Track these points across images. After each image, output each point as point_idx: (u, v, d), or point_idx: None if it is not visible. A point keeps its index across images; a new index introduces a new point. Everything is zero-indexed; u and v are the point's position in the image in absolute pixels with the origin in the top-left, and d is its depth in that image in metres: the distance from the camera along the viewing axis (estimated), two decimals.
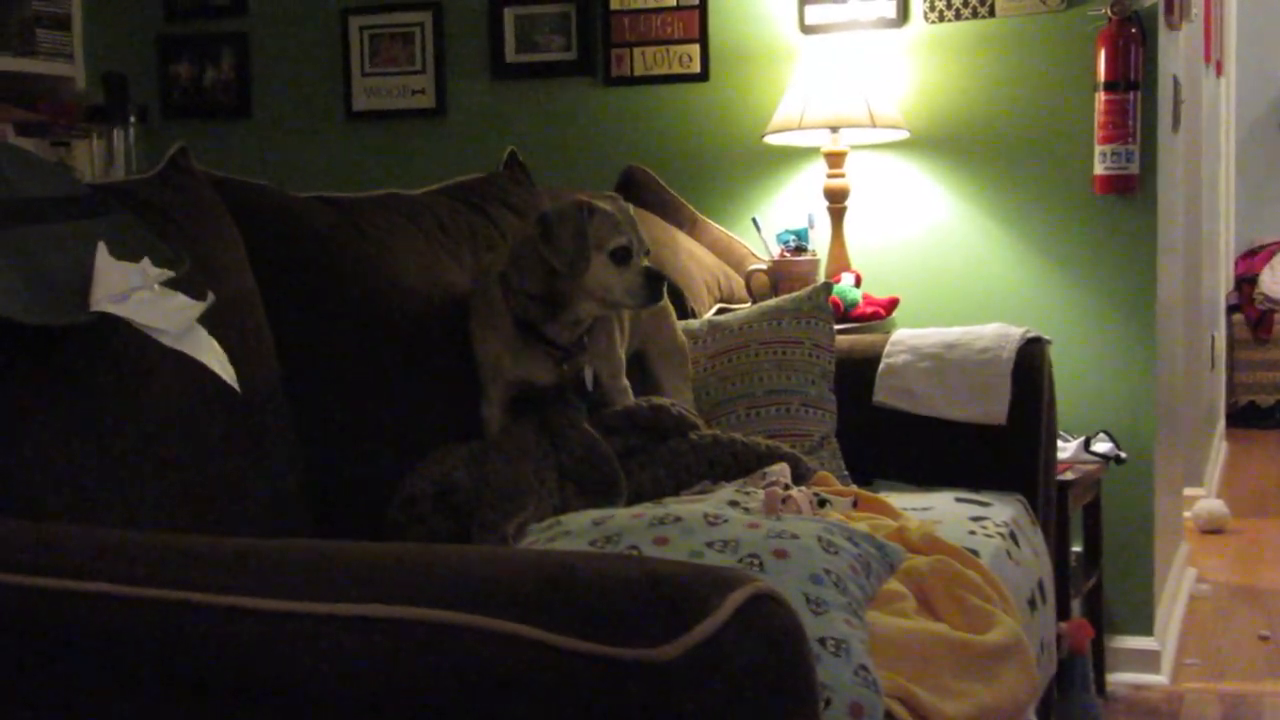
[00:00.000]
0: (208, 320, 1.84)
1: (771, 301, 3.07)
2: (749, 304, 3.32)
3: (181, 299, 1.80)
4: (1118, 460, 3.48)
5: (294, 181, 2.85)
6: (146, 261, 1.78)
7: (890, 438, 2.96)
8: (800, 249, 3.54)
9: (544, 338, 2.41)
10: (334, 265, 2.29)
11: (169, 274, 1.81)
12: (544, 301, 2.38)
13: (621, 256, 2.34)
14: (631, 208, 2.48)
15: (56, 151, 3.80)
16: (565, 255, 2.32)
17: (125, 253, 1.77)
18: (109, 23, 4.36)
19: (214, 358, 1.82)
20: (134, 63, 4.29)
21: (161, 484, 1.76)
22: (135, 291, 1.73)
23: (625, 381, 2.56)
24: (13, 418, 1.59)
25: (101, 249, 1.73)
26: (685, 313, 3.11)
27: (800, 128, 3.53)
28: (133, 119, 3.94)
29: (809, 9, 3.77)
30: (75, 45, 4.11)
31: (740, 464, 2.45)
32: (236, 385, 1.86)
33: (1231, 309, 8.01)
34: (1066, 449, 3.34)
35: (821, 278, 3.49)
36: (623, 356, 2.57)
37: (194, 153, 2.17)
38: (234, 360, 1.88)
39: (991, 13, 3.64)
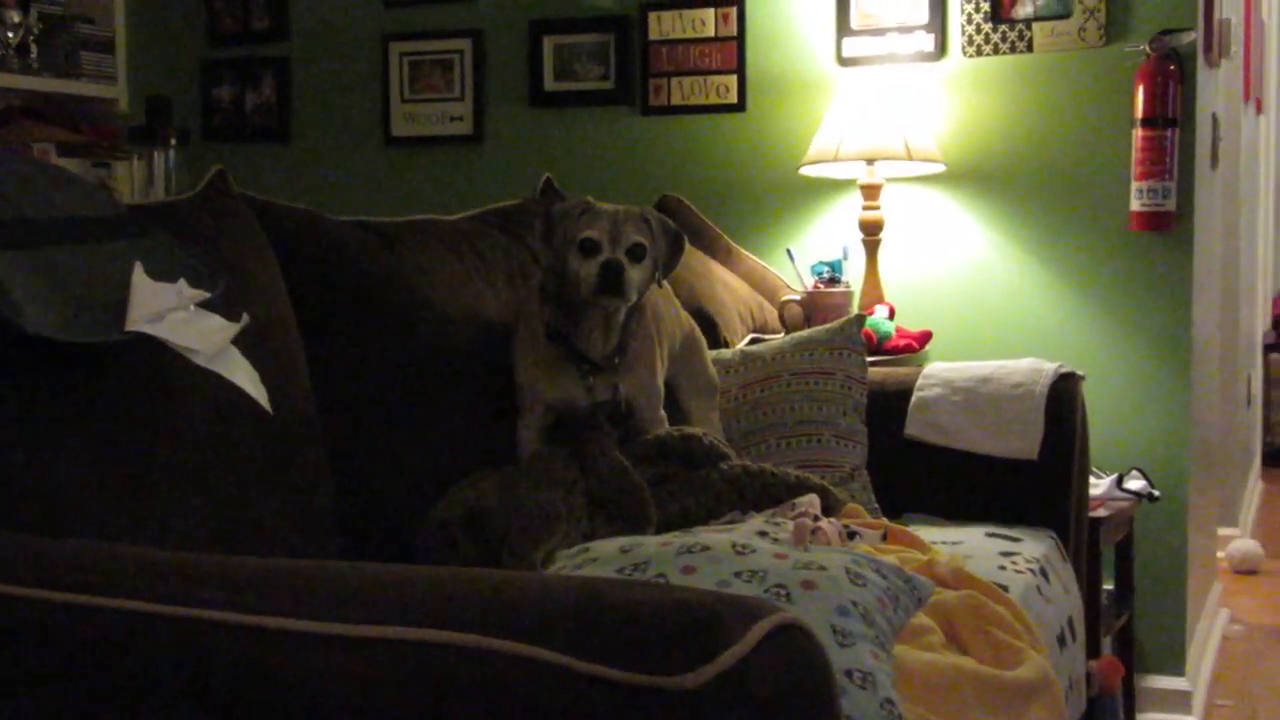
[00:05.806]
0: (242, 341, 1.85)
1: (804, 332, 3.06)
2: (782, 334, 3.32)
3: (216, 320, 1.82)
4: (1151, 498, 3.45)
5: (332, 206, 2.86)
6: (183, 282, 1.80)
7: (921, 471, 2.95)
8: (834, 280, 3.54)
9: (575, 351, 2.43)
10: (369, 289, 2.31)
11: (204, 295, 1.82)
12: (560, 303, 2.42)
13: (588, 248, 2.37)
14: (668, 222, 2.49)
15: (98, 173, 3.84)
16: (553, 248, 2.41)
17: (162, 273, 1.78)
18: (153, 46, 4.41)
19: (247, 378, 1.83)
20: (177, 86, 4.34)
21: (191, 503, 1.76)
22: (171, 312, 1.74)
23: (662, 412, 2.57)
24: (45, 435, 1.60)
25: (138, 269, 1.74)
26: (718, 342, 3.11)
27: (836, 159, 3.54)
28: (173, 141, 3.99)
29: (847, 41, 3.78)
30: (119, 68, 4.17)
31: (770, 494, 2.44)
32: (269, 406, 1.88)
33: (1269, 348, 7.93)
34: (1099, 486, 3.31)
35: (855, 309, 3.49)
36: (661, 387, 2.58)
37: (234, 175, 2.18)
38: (267, 382, 1.89)
39: (1030, 48, 3.64)
